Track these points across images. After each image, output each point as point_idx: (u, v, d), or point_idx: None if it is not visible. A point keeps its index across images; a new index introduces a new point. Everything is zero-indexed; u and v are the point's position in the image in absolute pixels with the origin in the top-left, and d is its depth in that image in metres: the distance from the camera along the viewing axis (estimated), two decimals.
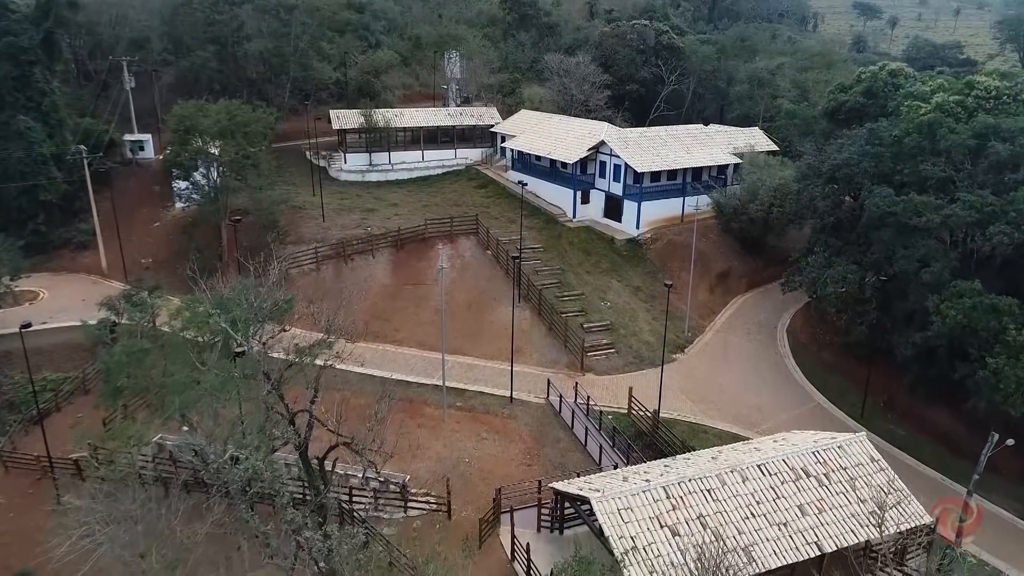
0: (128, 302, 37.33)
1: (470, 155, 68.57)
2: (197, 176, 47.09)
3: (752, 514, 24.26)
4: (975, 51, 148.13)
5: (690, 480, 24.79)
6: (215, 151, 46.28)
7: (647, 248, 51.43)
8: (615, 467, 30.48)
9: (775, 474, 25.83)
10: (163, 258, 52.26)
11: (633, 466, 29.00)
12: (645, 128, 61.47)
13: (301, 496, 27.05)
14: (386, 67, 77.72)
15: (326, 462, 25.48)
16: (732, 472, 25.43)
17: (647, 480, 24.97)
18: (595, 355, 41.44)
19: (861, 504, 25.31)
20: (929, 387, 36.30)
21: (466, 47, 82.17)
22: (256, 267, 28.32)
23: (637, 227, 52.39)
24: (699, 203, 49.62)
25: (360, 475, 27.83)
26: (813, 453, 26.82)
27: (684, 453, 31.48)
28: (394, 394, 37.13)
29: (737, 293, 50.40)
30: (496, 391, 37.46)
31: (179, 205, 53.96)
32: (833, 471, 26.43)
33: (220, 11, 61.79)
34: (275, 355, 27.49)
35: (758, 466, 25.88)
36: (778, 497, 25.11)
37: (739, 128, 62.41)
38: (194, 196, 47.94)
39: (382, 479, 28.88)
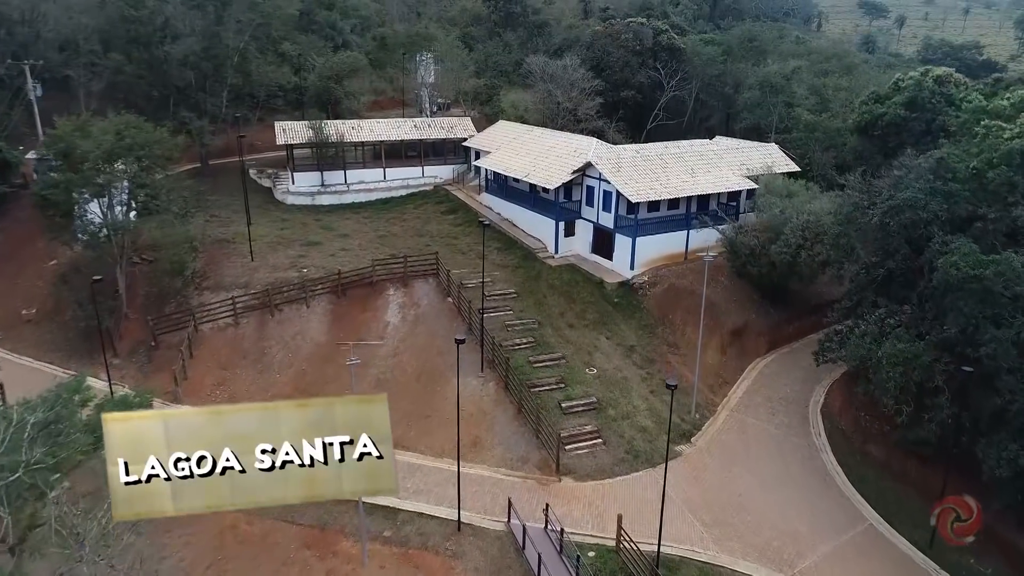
0: None
1: (440, 173, 59.41)
2: (77, 210, 37.56)
3: None
4: (992, 51, 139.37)
5: None
6: (101, 179, 36.75)
7: (643, 294, 42.00)
8: None
9: None
10: (51, 307, 42.65)
11: None
12: (641, 145, 51.95)
13: None
14: (349, 71, 68.16)
15: None
16: None
17: None
18: (576, 449, 31.88)
19: None
20: None
21: (439, 48, 72.64)
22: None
23: (631, 267, 43.04)
24: (709, 242, 40.06)
25: None
26: None
27: None
28: (301, 517, 28.32)
29: (755, 355, 40.51)
30: (440, 511, 27.88)
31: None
32: None
33: (139, 6, 52.14)
34: None
35: None
36: None
37: (753, 144, 52.88)
38: (79, 235, 38.40)
39: None
